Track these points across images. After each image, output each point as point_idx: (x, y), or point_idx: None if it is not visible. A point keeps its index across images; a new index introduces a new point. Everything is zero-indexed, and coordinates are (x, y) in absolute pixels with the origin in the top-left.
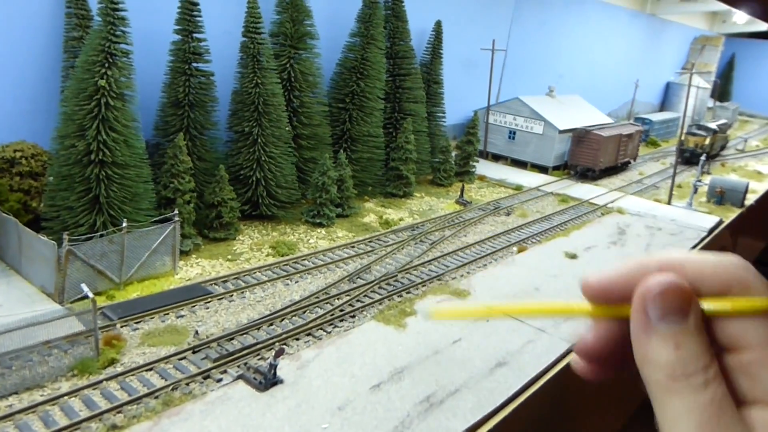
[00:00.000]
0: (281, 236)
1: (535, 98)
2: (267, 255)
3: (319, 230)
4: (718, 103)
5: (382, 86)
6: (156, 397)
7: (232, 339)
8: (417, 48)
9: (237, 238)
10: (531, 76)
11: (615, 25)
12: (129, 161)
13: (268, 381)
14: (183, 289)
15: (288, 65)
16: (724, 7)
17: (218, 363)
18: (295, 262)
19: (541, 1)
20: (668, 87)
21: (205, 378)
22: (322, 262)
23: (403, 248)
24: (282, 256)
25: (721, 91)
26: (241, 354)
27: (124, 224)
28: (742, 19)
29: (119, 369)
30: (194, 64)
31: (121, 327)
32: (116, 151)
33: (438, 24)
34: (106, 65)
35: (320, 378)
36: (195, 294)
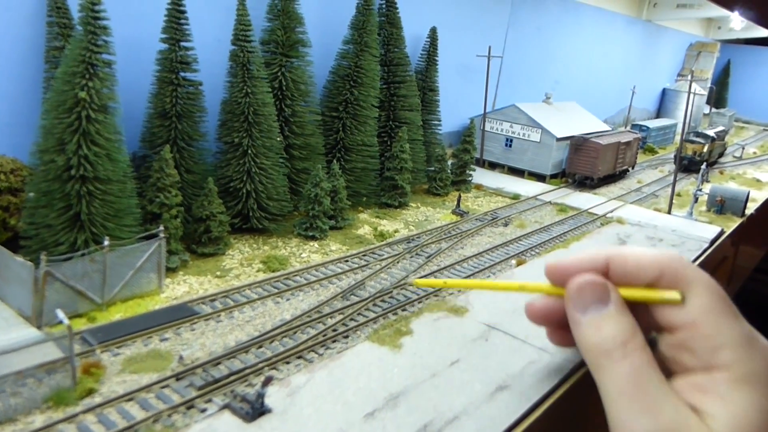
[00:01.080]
0: (273, 250)
1: (532, 105)
2: (257, 271)
3: (311, 243)
4: (714, 110)
5: (377, 94)
6: (136, 431)
7: (219, 364)
8: (412, 55)
9: (227, 253)
10: (528, 83)
11: (611, 31)
12: (112, 176)
13: (255, 411)
14: (168, 310)
15: (279, 74)
16: (720, 13)
17: (203, 391)
18: (286, 278)
19: (537, 7)
20: (664, 93)
21: (188, 408)
22: (314, 278)
23: (398, 262)
24: (273, 271)
25: (717, 97)
26: (227, 380)
27: (106, 242)
28: (738, 25)
29: (97, 400)
30: (181, 74)
31: (101, 352)
32: (98, 166)
33: (433, 30)
34: (87, 76)
35: (311, 406)
36: (180, 315)
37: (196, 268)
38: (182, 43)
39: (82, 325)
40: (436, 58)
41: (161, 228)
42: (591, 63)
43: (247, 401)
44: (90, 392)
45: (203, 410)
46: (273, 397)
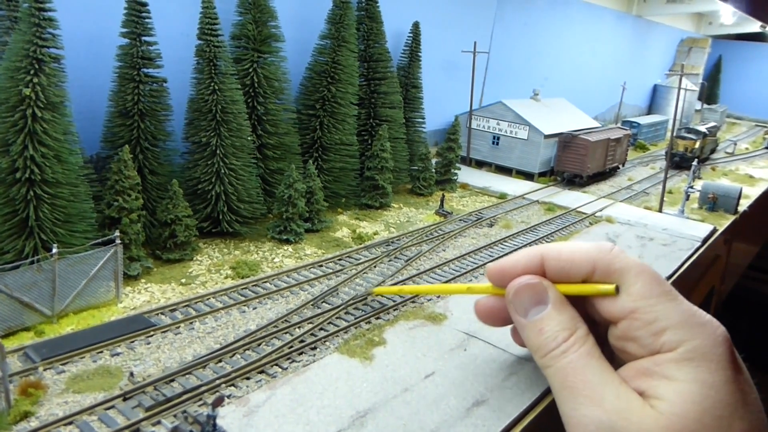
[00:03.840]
0: (244, 255)
1: (520, 102)
2: (226, 277)
3: (285, 247)
4: (705, 106)
5: (355, 91)
6: None
7: (172, 381)
8: (394, 51)
9: (194, 259)
10: (515, 79)
11: (601, 26)
12: (61, 178)
13: None
14: (123, 322)
15: (251, 70)
16: (711, 8)
17: (151, 412)
18: (255, 285)
19: (524, 3)
20: (655, 89)
21: None
22: (285, 285)
23: (375, 266)
24: (242, 278)
25: (709, 93)
26: (179, 400)
27: (55, 249)
28: (729, 20)
29: (33, 424)
30: (144, 70)
31: (44, 370)
32: (46, 168)
33: (416, 25)
34: (32, 72)
35: (270, 427)
36: (136, 327)
37: (160, 275)
38: (144, 38)
39: (28, 340)
40: (419, 54)
41: (116, 234)
42: (580, 59)
43: (199, 423)
44: (25, 416)
45: None
46: (228, 417)
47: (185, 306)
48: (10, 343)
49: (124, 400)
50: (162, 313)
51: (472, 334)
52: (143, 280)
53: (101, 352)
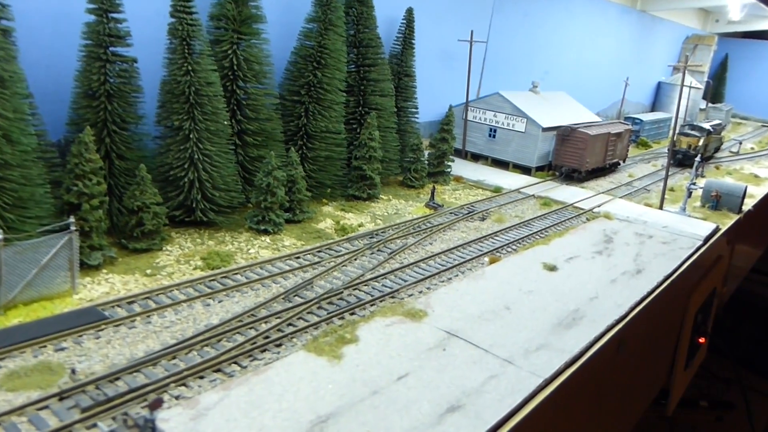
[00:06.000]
0: (218, 245)
1: (518, 94)
2: (195, 268)
3: (263, 238)
4: (710, 105)
5: (343, 77)
6: None
7: (117, 379)
8: (387, 38)
9: (163, 249)
10: (514, 71)
11: (603, 20)
12: (11, 160)
13: None
14: (73, 314)
15: (230, 52)
16: (718, 3)
17: (87, 414)
18: (224, 277)
19: None
20: (659, 87)
21: None
22: (257, 277)
23: (356, 259)
24: (213, 269)
25: (714, 92)
26: (121, 400)
27: (0, 236)
28: (736, 15)
29: None
30: (112, 49)
31: None
32: None
33: (409, 12)
34: None
35: None
36: (87, 320)
37: (125, 265)
38: (112, 14)
39: None
40: (413, 42)
41: (71, 220)
42: (582, 53)
43: (138, 426)
44: None
45: None
46: (174, 420)
47: (145, 298)
48: None
49: (60, 399)
50: (119, 306)
51: (453, 333)
52: (105, 270)
53: (45, 346)
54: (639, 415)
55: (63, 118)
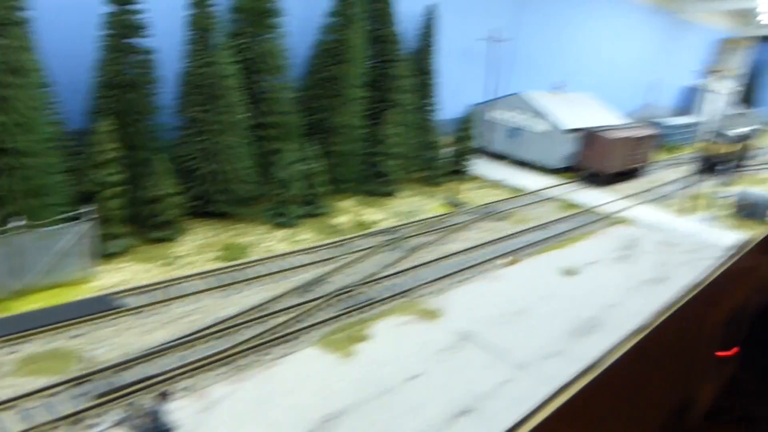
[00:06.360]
0: (235, 237)
1: (541, 94)
2: (212, 259)
3: (280, 231)
4: (743, 110)
5: (362, 72)
6: None
7: (130, 368)
8: (408, 34)
9: (181, 239)
10: (538, 71)
11: (630, 21)
12: (29, 149)
13: (152, 430)
14: (89, 302)
15: (249, 45)
16: (752, 5)
17: (99, 402)
18: (240, 269)
19: None
20: (688, 90)
21: (75, 423)
22: (272, 270)
23: (372, 256)
24: (229, 260)
25: (747, 96)
26: (132, 389)
27: (13, 223)
28: None
29: None
30: (130, 40)
31: None
32: (11, 137)
33: (432, 9)
34: None
35: (226, 425)
36: (102, 308)
37: (143, 254)
38: (130, 6)
39: None
40: (435, 39)
41: (87, 209)
42: (608, 55)
43: (148, 416)
44: None
45: (93, 425)
46: (183, 411)
47: (161, 288)
48: None
49: (73, 386)
50: (135, 294)
51: (468, 334)
52: (123, 258)
53: (61, 332)
54: (659, 428)
55: (83, 107)
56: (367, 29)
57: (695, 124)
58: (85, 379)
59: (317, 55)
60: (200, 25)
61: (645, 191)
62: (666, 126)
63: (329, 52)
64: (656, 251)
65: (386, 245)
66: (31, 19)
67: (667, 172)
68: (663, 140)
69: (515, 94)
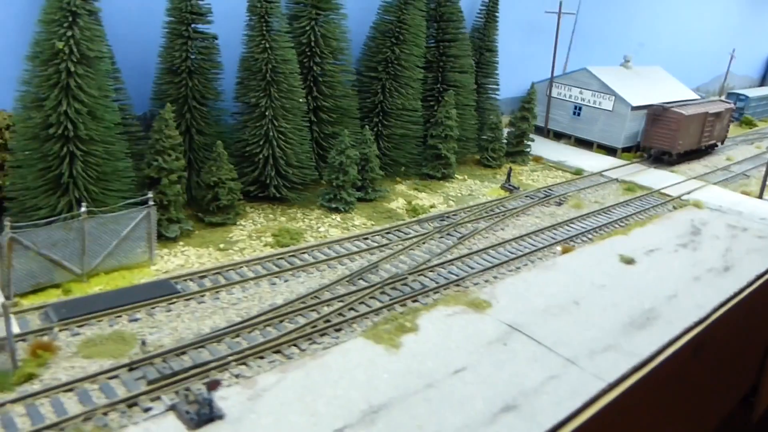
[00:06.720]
0: (289, 222)
1: (607, 69)
2: (266, 245)
3: (334, 216)
4: None
5: (422, 53)
6: (61, 430)
7: (184, 353)
8: (469, 11)
9: (238, 223)
10: (605, 45)
11: None
12: (96, 136)
13: (202, 416)
14: (148, 286)
15: (308, 28)
16: None
17: (153, 386)
18: (292, 256)
19: None
20: None
21: (130, 406)
22: (324, 257)
23: (424, 243)
24: (282, 246)
25: None
26: (185, 375)
27: (83, 208)
28: None
29: (36, 387)
30: (193, 26)
31: (60, 331)
32: (80, 124)
33: None
34: (66, 25)
35: (272, 415)
36: (160, 292)
37: (200, 238)
38: None
39: (54, 297)
40: (497, 15)
41: (150, 195)
42: (682, 23)
43: (198, 403)
44: (29, 378)
45: (147, 409)
46: (231, 399)
47: (216, 273)
48: (36, 299)
49: (130, 370)
50: (191, 279)
51: (516, 327)
52: (181, 243)
53: (120, 316)
54: (717, 424)
55: (148, 92)
56: (428, 8)
57: None
58: (140, 364)
59: (376, 35)
60: (260, 11)
61: (718, 170)
62: (745, 98)
63: (388, 32)
64: (725, 237)
65: (438, 232)
66: (100, 9)
67: (744, 148)
68: (741, 113)
69: (579, 69)
